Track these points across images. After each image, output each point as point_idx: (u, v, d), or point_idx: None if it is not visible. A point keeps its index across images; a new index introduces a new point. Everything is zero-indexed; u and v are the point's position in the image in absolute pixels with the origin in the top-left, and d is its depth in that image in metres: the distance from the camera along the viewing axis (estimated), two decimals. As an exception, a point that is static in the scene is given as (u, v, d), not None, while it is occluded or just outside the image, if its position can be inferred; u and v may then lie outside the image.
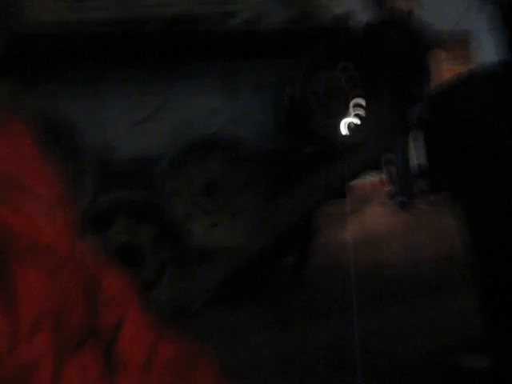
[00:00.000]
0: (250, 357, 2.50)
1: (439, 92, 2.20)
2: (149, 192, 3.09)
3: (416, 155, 5.34)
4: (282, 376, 2.35)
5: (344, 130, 3.34)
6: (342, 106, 3.35)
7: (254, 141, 3.30)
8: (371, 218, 5.10)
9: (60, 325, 0.71)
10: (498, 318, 1.99)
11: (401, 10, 4.14)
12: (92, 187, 3.01)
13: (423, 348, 2.47)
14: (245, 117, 3.34)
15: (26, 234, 0.70)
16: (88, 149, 3.06)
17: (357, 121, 3.31)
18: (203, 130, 3.24)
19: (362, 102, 3.30)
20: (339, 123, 3.34)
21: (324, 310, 3.02)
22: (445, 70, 4.80)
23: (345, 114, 3.35)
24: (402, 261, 3.80)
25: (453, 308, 2.80)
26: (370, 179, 6.22)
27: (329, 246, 3.93)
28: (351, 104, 3.36)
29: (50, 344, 0.68)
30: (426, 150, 2.18)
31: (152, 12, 3.17)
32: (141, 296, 0.97)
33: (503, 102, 1.78)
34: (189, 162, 3.18)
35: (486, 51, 5.54)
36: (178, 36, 3.14)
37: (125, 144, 3.16)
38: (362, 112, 3.31)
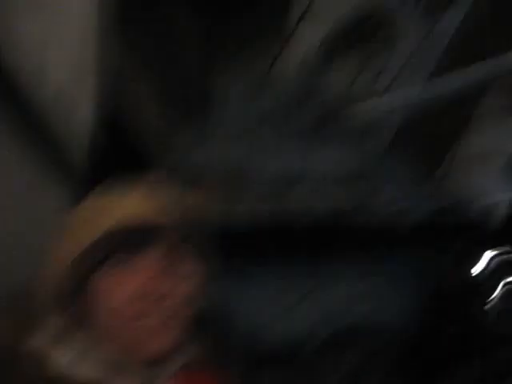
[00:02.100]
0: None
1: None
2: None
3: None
4: None
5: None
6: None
7: (394, 329, 3.36)
8: None
9: None
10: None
11: None
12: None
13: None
14: (384, 305, 3.43)
15: None
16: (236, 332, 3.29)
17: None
18: (344, 319, 3.36)
19: None
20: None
21: None
22: None
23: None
24: None
25: None
26: None
27: None
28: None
29: None
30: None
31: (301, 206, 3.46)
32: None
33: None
34: (329, 351, 3.28)
35: None
36: (327, 229, 3.37)
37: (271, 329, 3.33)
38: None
